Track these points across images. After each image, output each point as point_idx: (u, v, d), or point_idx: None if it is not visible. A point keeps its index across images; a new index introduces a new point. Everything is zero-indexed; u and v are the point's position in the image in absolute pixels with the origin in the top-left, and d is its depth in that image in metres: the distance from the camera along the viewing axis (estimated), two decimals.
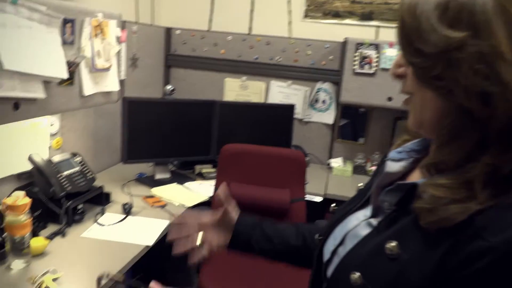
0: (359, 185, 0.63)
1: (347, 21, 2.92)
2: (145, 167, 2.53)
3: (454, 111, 0.59)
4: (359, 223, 0.74)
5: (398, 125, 2.88)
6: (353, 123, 3.01)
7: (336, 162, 2.92)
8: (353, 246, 0.70)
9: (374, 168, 2.76)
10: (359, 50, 2.60)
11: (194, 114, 2.51)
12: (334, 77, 2.91)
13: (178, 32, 3.10)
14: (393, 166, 0.73)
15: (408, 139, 0.78)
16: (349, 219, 0.77)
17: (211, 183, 2.34)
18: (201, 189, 2.33)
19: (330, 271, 0.74)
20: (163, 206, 2.07)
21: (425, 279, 0.57)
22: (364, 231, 0.71)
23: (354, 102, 2.68)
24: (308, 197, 2.39)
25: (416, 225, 0.60)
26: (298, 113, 2.98)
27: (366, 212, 0.75)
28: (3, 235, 1.49)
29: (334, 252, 0.75)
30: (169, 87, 2.50)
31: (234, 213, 1.07)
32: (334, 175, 2.82)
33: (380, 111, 2.90)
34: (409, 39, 0.61)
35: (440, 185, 0.58)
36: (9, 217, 1.45)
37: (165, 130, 2.43)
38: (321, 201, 2.48)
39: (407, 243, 0.60)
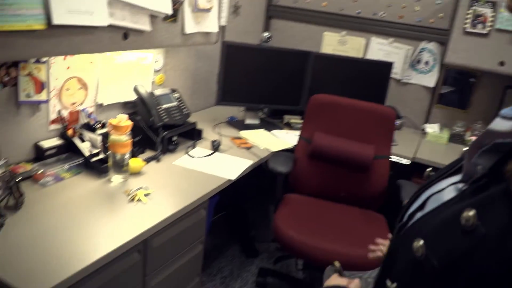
0: (464, 149, 0.56)
1: None
2: (236, 112, 2.63)
3: None
4: (446, 187, 0.64)
5: (508, 94, 2.62)
6: (460, 91, 2.80)
7: (432, 128, 2.77)
8: (430, 210, 0.62)
9: (474, 138, 2.57)
10: (473, 7, 2.38)
11: (288, 63, 2.52)
12: (442, 37, 2.71)
13: None
14: (500, 124, 0.59)
15: None
16: (439, 184, 0.67)
17: (298, 133, 2.38)
18: (287, 138, 2.38)
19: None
20: (248, 148, 2.16)
21: (502, 263, 0.46)
22: (448, 196, 0.61)
23: (460, 64, 2.48)
24: (395, 158, 2.32)
25: (506, 194, 0.49)
26: (396, 73, 2.85)
27: (460, 177, 0.64)
28: (107, 153, 1.68)
29: (411, 216, 0.68)
30: (266, 34, 2.53)
31: None
32: (427, 141, 2.68)
33: (489, 78, 2.66)
34: None
35: None
36: (113, 136, 1.63)
37: (259, 76, 2.49)
38: (408, 164, 2.39)
39: (489, 215, 0.49)
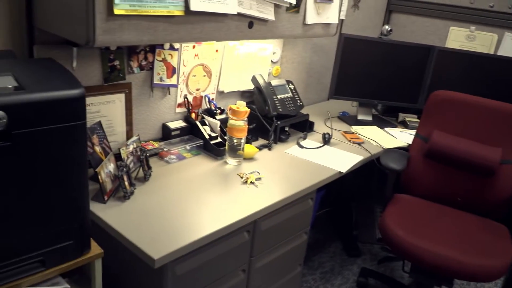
0: None
1: None
2: (349, 107, 2.60)
3: None
4: None
5: None
6: None
7: None
8: None
9: None
10: None
11: (408, 58, 2.42)
12: None
13: None
14: None
15: None
16: None
17: (413, 132, 2.27)
18: (400, 136, 2.29)
19: None
20: (360, 143, 2.12)
21: None
22: None
23: None
24: None
25: None
26: None
27: None
28: (225, 137, 1.78)
29: None
30: (387, 27, 2.45)
31: None
32: None
33: None
34: None
35: None
36: (231, 121, 1.72)
37: (374, 71, 2.42)
38: None
39: None
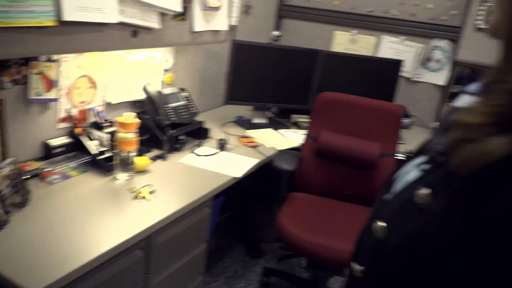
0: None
1: None
2: (244, 111, 2.64)
3: None
4: (412, 168, 0.62)
5: None
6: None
7: None
8: (396, 193, 0.62)
9: None
10: (487, 4, 2.33)
11: (297, 62, 2.52)
12: (454, 34, 2.67)
13: None
14: (461, 100, 0.59)
15: None
16: (406, 166, 0.66)
17: (305, 132, 2.38)
18: (294, 137, 2.38)
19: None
20: (255, 147, 2.16)
21: (449, 235, 0.46)
22: (412, 176, 0.60)
23: (472, 61, 2.45)
24: (401, 156, 2.30)
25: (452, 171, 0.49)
26: (407, 71, 2.81)
27: (423, 157, 0.63)
28: (114, 150, 1.71)
29: (382, 201, 0.67)
30: (275, 33, 2.53)
31: None
32: None
33: None
34: None
35: (469, 110, 0.47)
36: (120, 134, 1.65)
37: (267, 75, 2.49)
38: None
39: (442, 193, 0.49)
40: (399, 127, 2.08)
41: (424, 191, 0.52)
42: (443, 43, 2.73)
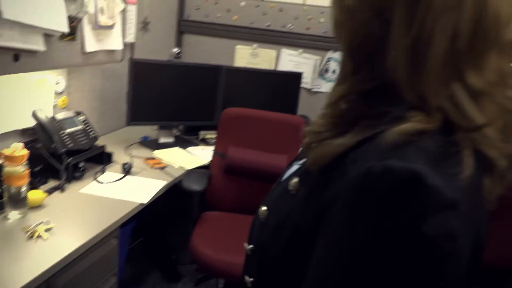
0: None
1: None
2: (150, 131, 2.55)
3: None
4: (295, 164, 0.71)
5: None
6: None
7: None
8: (279, 182, 0.72)
9: None
10: None
11: (200, 78, 2.50)
12: None
13: None
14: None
15: None
16: (294, 163, 0.75)
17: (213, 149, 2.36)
18: (202, 154, 2.35)
19: None
20: (162, 168, 2.09)
21: (308, 216, 0.56)
22: (292, 170, 0.70)
23: None
24: None
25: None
26: (307, 82, 2.93)
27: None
28: (2, 187, 1.53)
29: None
30: (175, 50, 2.49)
31: None
32: None
33: None
34: None
35: (316, 121, 0.61)
36: (7, 168, 1.49)
37: (170, 93, 2.43)
38: None
39: (306, 181, 0.60)
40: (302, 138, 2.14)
41: (294, 180, 0.62)
42: (337, 55, 2.90)
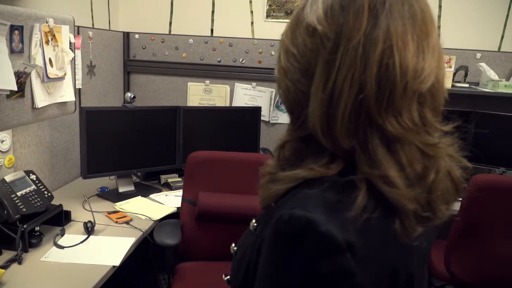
0: None
1: None
2: (107, 181, 2.40)
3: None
4: None
5: None
6: None
7: None
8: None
9: None
10: None
11: (156, 121, 2.40)
12: None
13: (137, 36, 2.98)
14: None
15: None
16: None
17: (178, 193, 2.25)
18: (168, 200, 2.23)
19: None
20: (128, 222, 1.95)
21: (255, 251, 0.63)
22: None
23: None
24: None
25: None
26: (265, 115, 2.92)
27: None
28: None
29: None
30: (129, 94, 2.37)
31: None
32: None
33: None
34: None
35: (267, 163, 0.69)
36: None
37: (126, 140, 2.30)
38: None
39: (259, 220, 0.69)
40: None
41: (253, 221, 0.70)
42: None
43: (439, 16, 2.82)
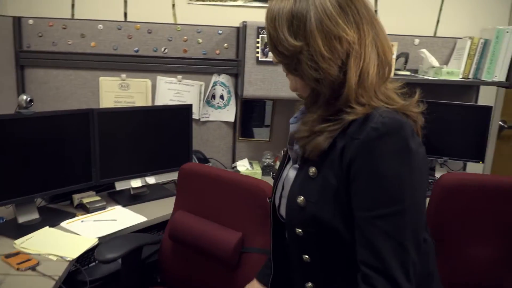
0: (284, 150, 1.19)
1: (240, 2, 2.54)
2: (2, 209, 1.88)
3: (309, 87, 0.96)
4: (288, 171, 1.08)
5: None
6: (259, 121, 2.68)
7: (243, 165, 2.57)
8: (291, 183, 1.02)
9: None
10: (262, 35, 2.24)
11: (64, 130, 1.90)
12: (232, 68, 2.54)
13: (31, 22, 2.40)
14: (292, 127, 1.04)
15: (301, 105, 1.09)
16: (282, 174, 1.11)
17: (98, 217, 1.83)
18: (86, 229, 1.78)
19: (282, 210, 1.08)
20: (34, 267, 1.48)
21: (337, 177, 0.91)
22: (293, 173, 1.04)
23: (259, 95, 2.33)
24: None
25: (306, 154, 0.97)
26: (194, 112, 2.53)
27: (290, 164, 1.10)
28: None
29: (280, 198, 1.09)
30: (25, 97, 1.85)
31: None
32: None
33: (284, 104, 2.60)
34: (273, 44, 0.95)
35: (300, 130, 0.98)
36: None
37: (25, 156, 1.79)
38: None
39: (320, 165, 0.94)
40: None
41: (312, 169, 0.96)
42: (223, 78, 2.57)
43: (376, 1, 2.65)
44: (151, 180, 2.18)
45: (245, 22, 2.25)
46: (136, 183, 2.13)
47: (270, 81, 2.30)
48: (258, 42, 2.25)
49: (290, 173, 1.05)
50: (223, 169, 1.87)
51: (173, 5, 2.51)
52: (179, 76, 2.53)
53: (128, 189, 2.15)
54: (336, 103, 0.92)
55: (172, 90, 2.55)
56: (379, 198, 0.84)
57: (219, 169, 1.81)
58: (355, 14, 0.90)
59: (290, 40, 0.90)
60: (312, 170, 0.94)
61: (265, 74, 2.29)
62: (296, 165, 1.04)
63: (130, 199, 2.12)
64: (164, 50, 2.50)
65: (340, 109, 0.91)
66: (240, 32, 2.43)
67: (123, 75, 2.50)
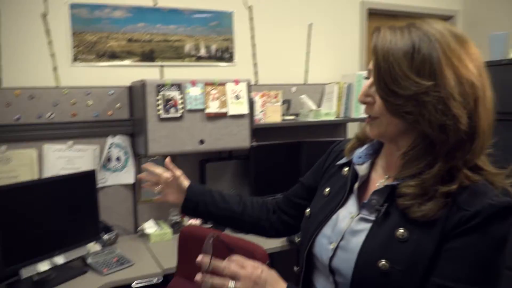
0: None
1: (127, 62, 2.50)
2: None
3: (417, 134, 0.81)
4: (351, 220, 0.91)
5: (208, 167, 2.63)
6: None
7: (150, 227, 2.44)
8: (365, 238, 0.85)
9: (193, 221, 2.44)
10: (161, 93, 2.24)
11: None
12: (127, 127, 2.45)
13: None
14: (362, 170, 0.94)
15: (355, 145, 0.99)
16: (335, 219, 0.94)
17: None
18: None
19: (337, 263, 0.89)
20: None
21: (434, 244, 0.78)
22: (361, 225, 0.88)
23: (165, 152, 2.28)
24: (143, 283, 1.89)
25: (410, 215, 0.81)
26: None
27: (348, 210, 0.93)
28: None
29: (337, 248, 0.90)
30: None
31: (185, 180, 1.18)
32: (154, 243, 2.35)
33: (183, 157, 2.59)
34: (384, 81, 0.79)
35: (411, 186, 0.80)
36: None
37: None
38: (161, 281, 2.00)
39: (411, 228, 0.80)
40: None
41: (401, 230, 0.81)
42: (119, 139, 2.45)
43: (254, 54, 2.89)
44: (59, 260, 1.91)
45: (143, 80, 2.23)
46: (44, 266, 1.85)
47: (174, 137, 2.29)
48: (158, 100, 2.23)
49: (355, 224, 0.89)
50: (221, 231, 1.86)
51: (55, 68, 2.33)
52: (70, 142, 2.33)
53: (30, 277, 1.85)
54: (454, 160, 0.79)
55: (62, 158, 2.32)
56: (469, 274, 0.77)
57: (219, 232, 1.72)
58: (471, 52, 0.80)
59: (415, 78, 0.76)
60: (401, 232, 0.81)
61: (169, 130, 2.27)
62: (367, 216, 0.88)
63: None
64: (50, 115, 2.29)
65: (455, 167, 0.79)
66: (134, 91, 2.39)
67: (3, 147, 2.19)
